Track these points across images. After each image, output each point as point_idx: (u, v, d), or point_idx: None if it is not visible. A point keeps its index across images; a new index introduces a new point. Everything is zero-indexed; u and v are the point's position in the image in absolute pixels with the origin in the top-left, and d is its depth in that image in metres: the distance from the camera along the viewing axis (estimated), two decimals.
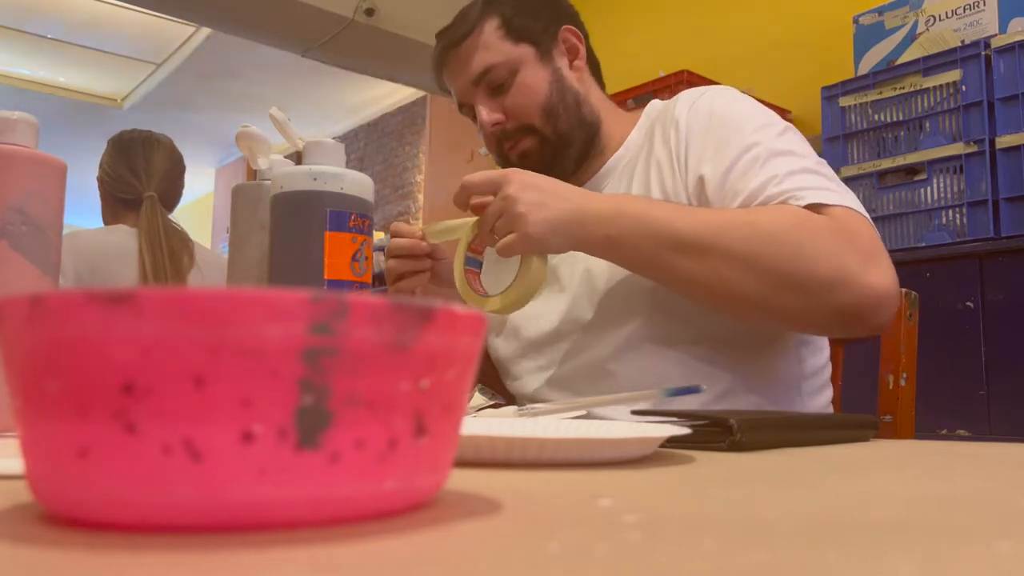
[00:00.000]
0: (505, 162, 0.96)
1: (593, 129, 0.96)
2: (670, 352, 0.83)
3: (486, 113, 0.93)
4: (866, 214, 0.77)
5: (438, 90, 1.02)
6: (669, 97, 0.95)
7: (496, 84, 0.93)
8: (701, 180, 0.82)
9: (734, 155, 0.80)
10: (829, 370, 0.93)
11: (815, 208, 0.75)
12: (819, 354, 0.90)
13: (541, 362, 0.92)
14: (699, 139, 0.84)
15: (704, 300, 0.77)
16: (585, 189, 0.80)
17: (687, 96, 0.91)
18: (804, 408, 0.87)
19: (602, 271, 0.87)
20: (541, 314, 0.92)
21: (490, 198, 0.74)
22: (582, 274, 0.90)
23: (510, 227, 0.73)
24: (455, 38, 0.94)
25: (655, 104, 0.98)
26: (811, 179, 0.77)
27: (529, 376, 0.93)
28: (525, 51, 0.94)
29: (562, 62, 0.97)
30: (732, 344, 0.83)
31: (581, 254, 0.86)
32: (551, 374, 0.91)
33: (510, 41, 0.93)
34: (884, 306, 0.73)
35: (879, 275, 0.72)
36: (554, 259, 0.94)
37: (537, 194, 0.73)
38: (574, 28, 0.99)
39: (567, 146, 0.94)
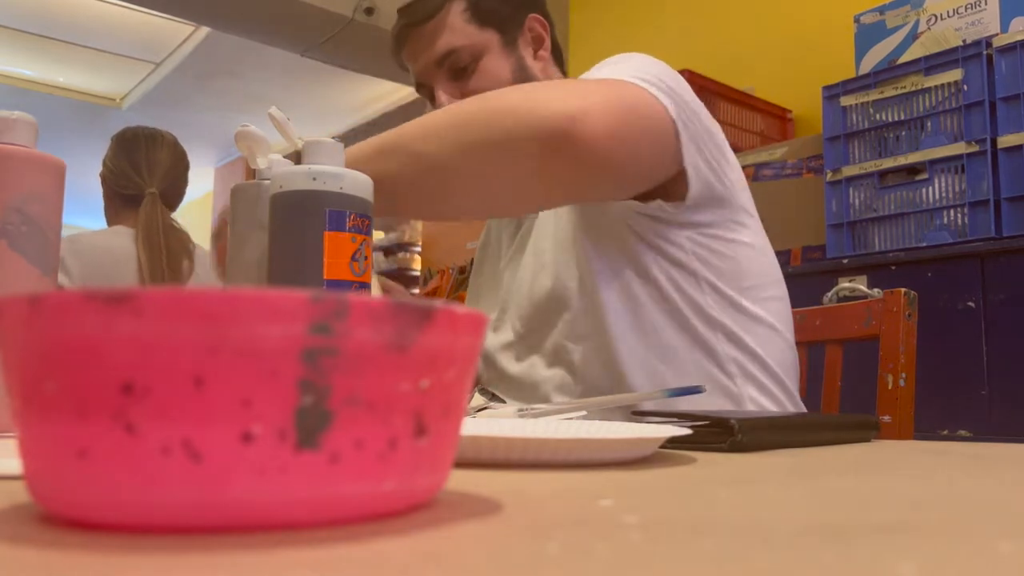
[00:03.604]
0: None
1: None
2: (567, 362, 0.84)
3: (445, 98, 0.90)
4: (640, 84, 0.72)
5: (397, 67, 1.00)
6: None
7: (458, 67, 0.90)
8: None
9: None
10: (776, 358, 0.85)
11: None
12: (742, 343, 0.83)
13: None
14: None
15: (421, 195, 0.74)
16: None
17: None
18: (740, 396, 0.81)
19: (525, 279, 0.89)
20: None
21: None
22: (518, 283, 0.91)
23: None
24: (418, 17, 0.92)
25: None
26: (603, 72, 0.75)
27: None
28: (490, 37, 0.92)
29: (527, 51, 0.94)
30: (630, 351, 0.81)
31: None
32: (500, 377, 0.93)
33: (475, 25, 0.91)
34: (567, 128, 0.66)
35: (558, 100, 0.67)
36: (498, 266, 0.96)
37: None
38: (540, 17, 0.97)
39: None
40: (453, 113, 0.71)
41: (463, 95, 0.90)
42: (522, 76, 0.92)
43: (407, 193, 0.73)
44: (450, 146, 0.70)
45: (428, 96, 0.95)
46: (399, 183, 0.72)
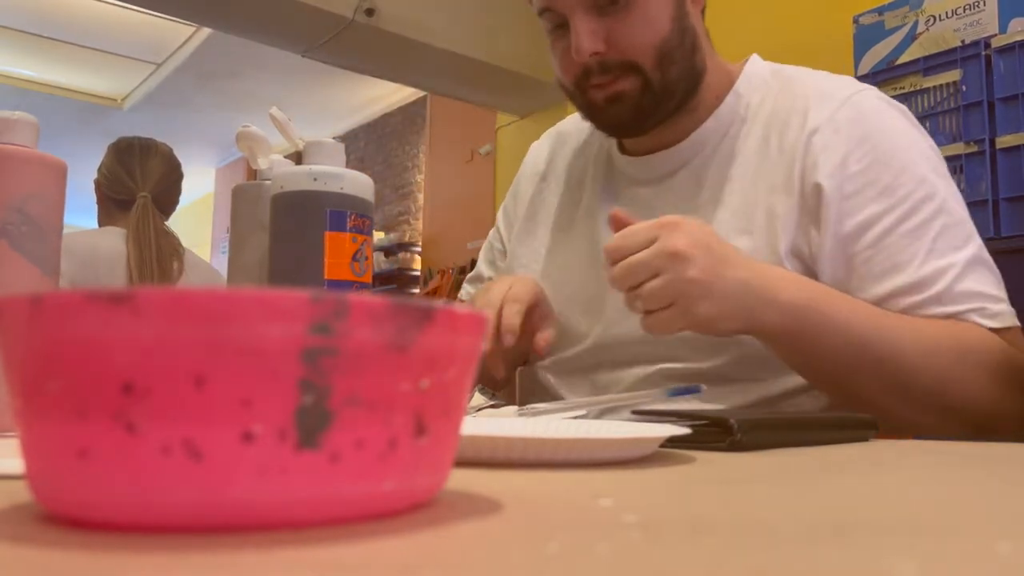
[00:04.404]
0: (582, 98, 0.80)
1: (698, 80, 0.80)
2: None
3: (587, 38, 0.74)
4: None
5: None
6: None
7: (608, 1, 0.74)
8: (858, 226, 0.73)
9: (900, 209, 0.72)
10: None
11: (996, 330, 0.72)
12: None
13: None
14: (844, 165, 0.74)
15: (850, 405, 0.72)
16: (751, 260, 0.68)
17: (822, 96, 0.80)
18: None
19: None
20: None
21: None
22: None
23: (671, 298, 0.61)
24: None
25: (758, 71, 0.84)
26: (986, 278, 0.75)
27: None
28: None
29: None
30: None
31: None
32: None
33: None
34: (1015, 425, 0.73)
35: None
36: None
37: (710, 259, 0.61)
38: None
39: (669, 97, 0.78)
40: (956, 378, 0.69)
41: (607, 37, 0.75)
42: (681, 26, 0.77)
43: (847, 397, 0.72)
44: (922, 410, 0.70)
45: (551, 23, 0.78)
46: (856, 394, 0.70)
